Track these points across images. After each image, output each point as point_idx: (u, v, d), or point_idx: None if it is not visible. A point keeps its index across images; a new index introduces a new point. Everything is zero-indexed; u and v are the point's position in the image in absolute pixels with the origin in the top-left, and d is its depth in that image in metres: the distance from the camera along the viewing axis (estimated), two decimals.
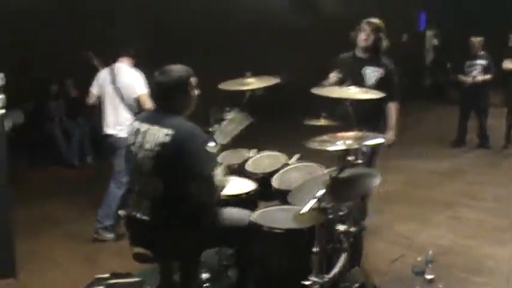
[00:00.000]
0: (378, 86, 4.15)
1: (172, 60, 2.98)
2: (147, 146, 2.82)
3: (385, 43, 4.30)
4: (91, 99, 5.05)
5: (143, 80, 4.79)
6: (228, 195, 3.26)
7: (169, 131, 2.77)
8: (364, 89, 3.60)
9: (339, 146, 2.93)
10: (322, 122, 3.98)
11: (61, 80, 7.77)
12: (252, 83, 3.86)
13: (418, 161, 7.41)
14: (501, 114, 8.09)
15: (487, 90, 7.93)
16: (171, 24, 8.70)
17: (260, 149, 4.12)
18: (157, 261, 3.08)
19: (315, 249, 2.73)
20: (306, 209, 2.68)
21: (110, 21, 7.74)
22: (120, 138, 4.62)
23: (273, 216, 3.18)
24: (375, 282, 3.66)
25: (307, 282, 2.73)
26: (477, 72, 7.77)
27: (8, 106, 4.08)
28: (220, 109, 3.73)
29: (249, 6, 10.02)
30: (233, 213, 3.11)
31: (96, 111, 5.23)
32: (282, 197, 3.40)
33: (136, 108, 4.78)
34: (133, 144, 2.91)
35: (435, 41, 14.64)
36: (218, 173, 2.85)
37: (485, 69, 7.75)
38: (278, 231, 2.99)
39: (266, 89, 3.87)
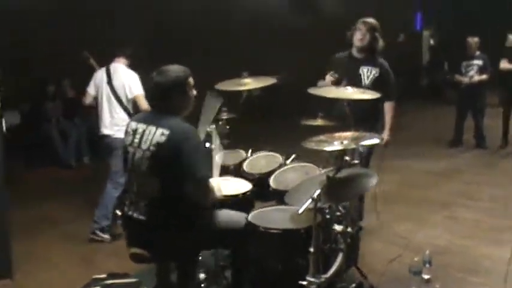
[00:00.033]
0: (374, 85, 4.16)
1: (172, 60, 2.97)
2: (144, 146, 2.82)
3: (380, 43, 4.30)
4: (87, 100, 5.04)
5: (139, 80, 4.78)
6: (224, 196, 3.26)
7: (165, 131, 2.77)
8: (361, 89, 3.60)
9: (336, 146, 2.94)
10: (319, 122, 3.98)
11: (58, 81, 7.77)
12: (249, 83, 3.86)
13: (415, 161, 7.41)
14: (498, 114, 8.11)
15: (483, 91, 7.95)
16: (171, 24, 8.70)
17: (257, 149, 4.11)
18: (154, 261, 3.07)
19: (311, 250, 2.73)
20: (302, 209, 2.67)
21: (110, 21, 7.74)
22: (116, 138, 4.61)
23: (270, 217, 3.18)
24: (372, 282, 3.66)
25: (303, 283, 2.73)
26: (474, 72, 7.79)
27: (4, 107, 4.07)
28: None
29: (249, 6, 10.03)
30: (229, 216, 3.10)
31: (93, 112, 5.23)
32: (278, 197, 3.40)
33: (133, 109, 4.77)
34: (130, 144, 2.90)
35: (432, 41, 14.68)
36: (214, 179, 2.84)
37: (482, 70, 7.77)
38: (275, 231, 2.99)
39: (263, 89, 3.87)
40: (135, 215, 2.90)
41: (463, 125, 8.21)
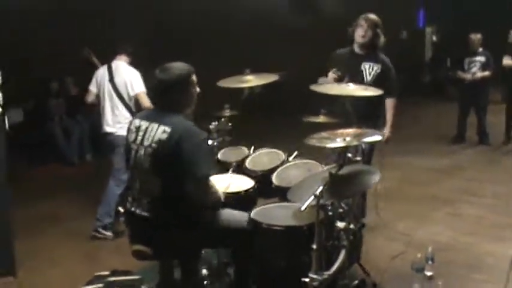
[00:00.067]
0: (376, 82, 4.15)
1: (172, 61, 2.95)
2: (146, 143, 2.82)
3: (382, 39, 4.29)
4: (89, 98, 5.04)
5: (141, 78, 4.79)
6: (227, 193, 3.26)
7: (167, 128, 2.76)
8: (363, 86, 3.59)
9: (338, 143, 2.93)
10: (321, 119, 3.98)
11: (61, 78, 7.77)
12: (251, 81, 3.86)
13: (418, 157, 7.40)
14: (500, 110, 8.09)
15: (486, 87, 7.93)
16: (171, 24, 8.69)
17: (259, 146, 4.11)
18: (156, 258, 3.07)
19: (314, 246, 2.73)
20: (305, 206, 2.67)
21: (110, 21, 7.74)
22: (119, 136, 4.61)
23: (273, 214, 3.18)
24: (375, 279, 3.66)
25: (306, 279, 2.73)
26: (476, 69, 7.78)
27: (7, 105, 4.07)
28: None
29: (249, 6, 10.01)
30: (232, 215, 3.09)
31: (95, 109, 5.23)
32: (281, 194, 3.40)
33: (134, 107, 4.78)
34: (133, 141, 2.90)
35: (434, 38, 14.65)
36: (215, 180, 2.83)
37: (484, 66, 7.76)
38: (277, 228, 2.99)
39: (264, 86, 3.86)
40: (138, 211, 2.90)
41: (465, 122, 8.20)
